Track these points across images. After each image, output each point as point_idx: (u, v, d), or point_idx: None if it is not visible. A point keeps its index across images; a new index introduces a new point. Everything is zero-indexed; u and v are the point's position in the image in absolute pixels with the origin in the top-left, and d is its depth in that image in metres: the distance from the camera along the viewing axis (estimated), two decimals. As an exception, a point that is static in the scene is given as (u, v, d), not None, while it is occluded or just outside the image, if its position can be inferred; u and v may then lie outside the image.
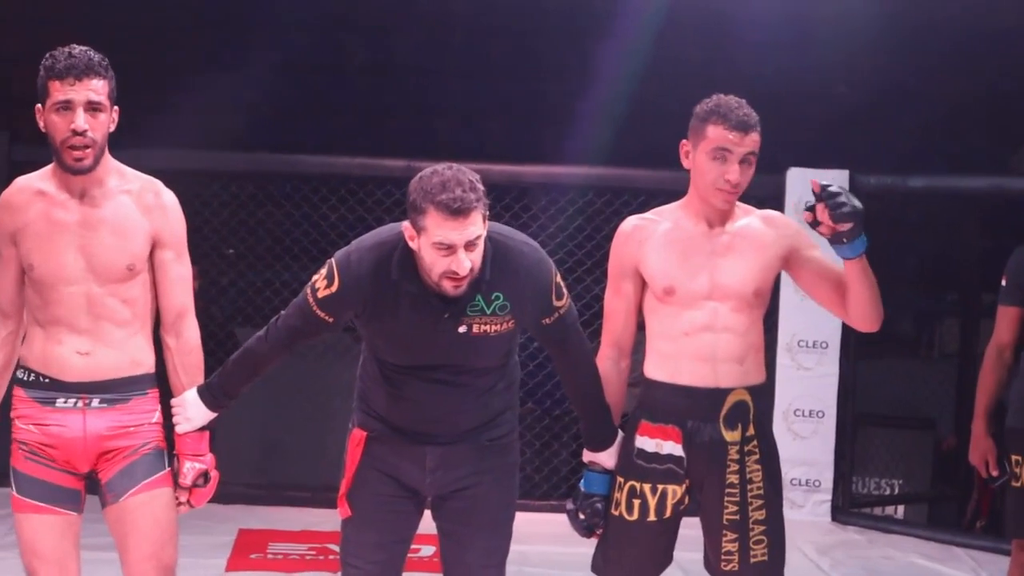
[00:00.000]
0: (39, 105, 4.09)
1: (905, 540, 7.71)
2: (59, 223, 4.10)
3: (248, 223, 8.57)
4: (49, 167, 4.18)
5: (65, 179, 4.11)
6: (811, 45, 8.96)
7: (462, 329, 4.02)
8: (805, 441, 7.87)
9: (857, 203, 3.98)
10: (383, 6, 9.26)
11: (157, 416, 4.20)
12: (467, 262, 3.88)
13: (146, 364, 4.20)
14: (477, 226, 3.88)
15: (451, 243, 3.86)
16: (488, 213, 3.94)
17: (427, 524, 4.32)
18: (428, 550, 6.04)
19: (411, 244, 3.95)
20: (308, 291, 4.10)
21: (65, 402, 4.11)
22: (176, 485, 4.21)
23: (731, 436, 4.20)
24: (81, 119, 4.02)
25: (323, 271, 4.08)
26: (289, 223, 8.40)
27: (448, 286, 3.93)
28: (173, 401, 4.23)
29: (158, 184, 4.23)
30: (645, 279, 4.28)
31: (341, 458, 4.28)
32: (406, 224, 3.95)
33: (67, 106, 4.03)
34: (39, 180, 4.17)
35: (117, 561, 4.24)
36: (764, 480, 4.22)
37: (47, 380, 4.12)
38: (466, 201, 3.84)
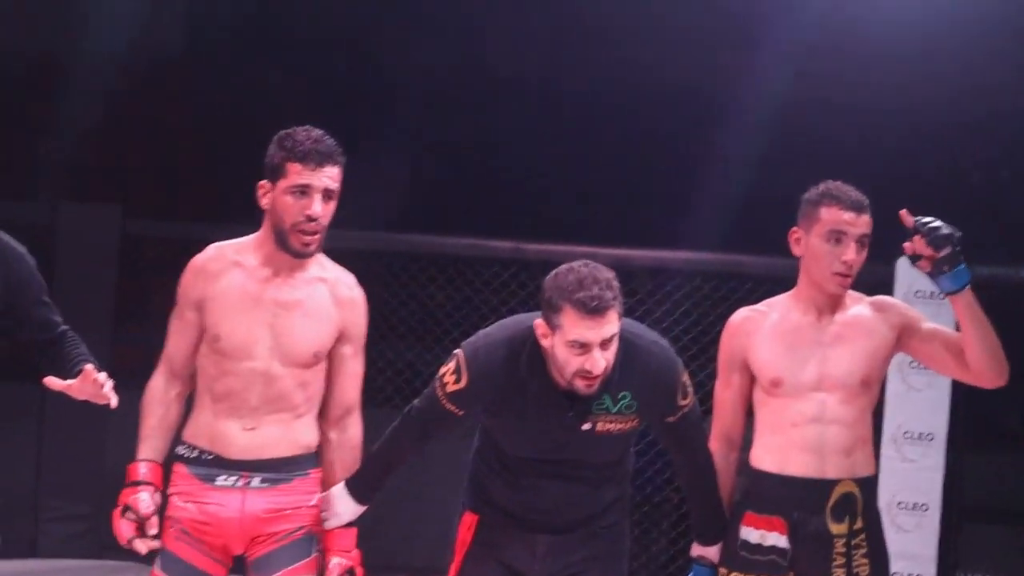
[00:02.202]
0: (265, 181, 4.04)
1: (1011, 639, 7.57)
2: (254, 297, 4.06)
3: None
4: (248, 240, 4.14)
5: (270, 256, 4.08)
6: (920, 132, 8.91)
7: (586, 427, 3.98)
8: (908, 535, 7.72)
9: (953, 229, 3.99)
10: (492, 84, 9.30)
11: (316, 499, 4.14)
12: (602, 361, 3.84)
13: (309, 445, 4.14)
14: (613, 324, 3.84)
15: (587, 342, 3.82)
16: (623, 311, 3.90)
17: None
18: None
19: (543, 341, 3.92)
20: (437, 384, 4.06)
21: (226, 480, 4.06)
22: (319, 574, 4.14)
23: (838, 529, 4.14)
24: (318, 206, 3.99)
25: (451, 365, 4.04)
26: (396, 302, 8.39)
27: (581, 385, 3.89)
28: (321, 496, 4.16)
29: (352, 278, 4.21)
30: (753, 371, 4.25)
31: (448, 540, 4.25)
32: (539, 321, 3.92)
33: (305, 191, 3.99)
34: (237, 251, 4.12)
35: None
36: (871, 575, 4.15)
37: (210, 457, 4.07)
38: (603, 300, 3.80)
